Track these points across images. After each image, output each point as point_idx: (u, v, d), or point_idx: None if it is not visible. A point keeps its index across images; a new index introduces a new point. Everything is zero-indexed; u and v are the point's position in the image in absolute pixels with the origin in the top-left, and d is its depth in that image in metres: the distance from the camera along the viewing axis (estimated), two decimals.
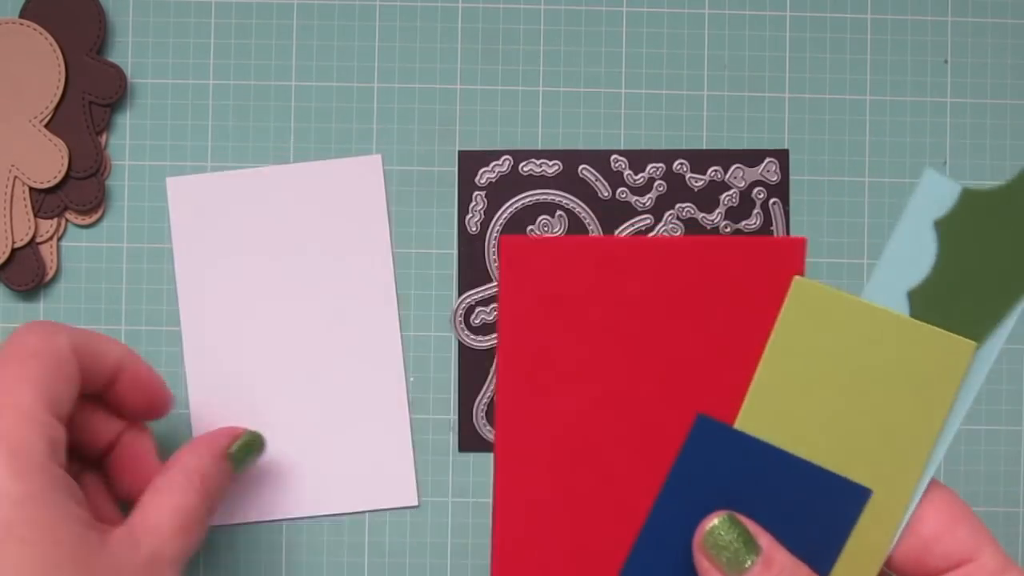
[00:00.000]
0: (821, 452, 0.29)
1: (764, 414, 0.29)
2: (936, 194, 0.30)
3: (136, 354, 0.41)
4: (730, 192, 0.49)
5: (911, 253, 0.29)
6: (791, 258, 0.35)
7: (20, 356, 0.34)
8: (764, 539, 0.30)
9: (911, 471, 0.29)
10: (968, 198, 0.29)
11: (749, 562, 0.29)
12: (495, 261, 0.49)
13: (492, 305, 0.49)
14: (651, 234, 0.49)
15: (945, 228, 0.29)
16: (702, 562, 0.30)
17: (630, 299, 0.35)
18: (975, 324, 0.29)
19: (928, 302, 0.29)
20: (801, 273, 0.34)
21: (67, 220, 0.49)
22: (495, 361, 0.35)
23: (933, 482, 0.30)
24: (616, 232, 0.49)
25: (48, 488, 0.31)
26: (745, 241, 0.35)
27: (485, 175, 0.49)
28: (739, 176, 0.49)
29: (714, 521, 0.30)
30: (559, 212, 0.49)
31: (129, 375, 0.40)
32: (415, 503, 0.48)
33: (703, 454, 0.30)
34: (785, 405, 0.29)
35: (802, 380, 0.29)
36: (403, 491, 0.48)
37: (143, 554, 0.34)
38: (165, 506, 0.37)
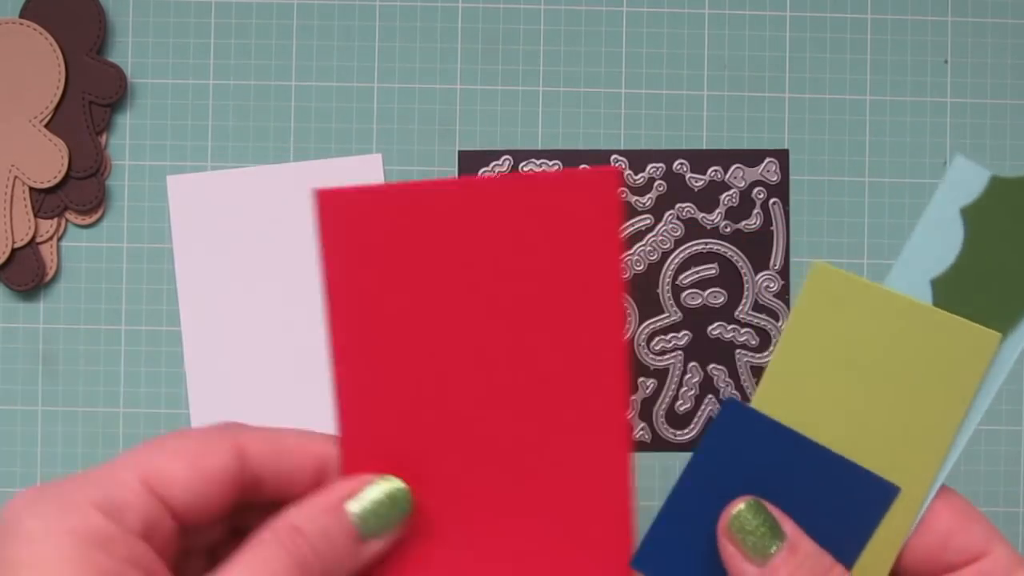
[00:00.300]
0: (837, 441, 0.29)
1: (779, 399, 0.29)
2: (964, 181, 0.29)
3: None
4: (730, 192, 0.49)
5: (937, 241, 0.29)
6: (606, 189, 0.32)
7: (173, 436, 0.30)
8: (789, 526, 0.29)
9: (929, 464, 0.29)
10: (997, 185, 0.29)
11: (774, 548, 0.29)
12: None
13: None
14: (650, 235, 0.49)
15: (972, 216, 0.29)
16: (727, 547, 0.30)
17: (453, 243, 0.35)
18: (1000, 315, 0.28)
19: (952, 291, 0.29)
20: (616, 204, 0.32)
21: (67, 220, 0.49)
22: (328, 317, 0.33)
23: (942, 485, 0.30)
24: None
25: (77, 535, 0.27)
26: (555, 175, 0.33)
27: (485, 175, 0.49)
28: (739, 176, 0.49)
29: (740, 506, 0.30)
30: None
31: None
32: None
33: (729, 438, 0.29)
34: (801, 391, 0.29)
35: (819, 366, 0.28)
36: None
37: None
38: (238, 565, 0.28)
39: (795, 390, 0.28)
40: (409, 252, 0.35)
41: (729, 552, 0.30)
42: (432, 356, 0.35)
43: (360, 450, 0.33)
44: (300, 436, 0.31)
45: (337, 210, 0.36)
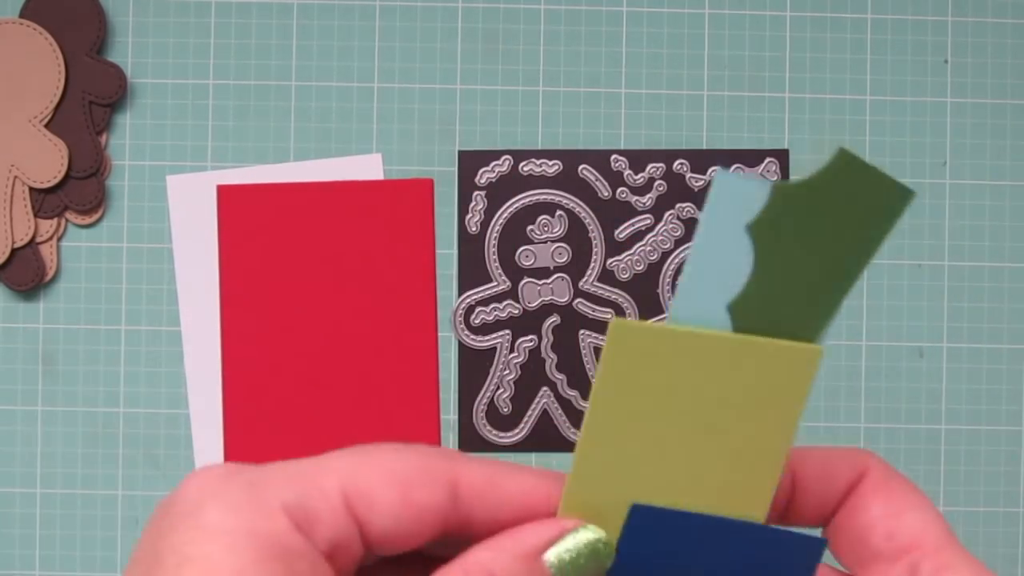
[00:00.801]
0: (669, 493, 0.27)
1: (600, 466, 0.27)
2: (738, 196, 0.27)
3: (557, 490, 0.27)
4: None
5: (723, 264, 0.26)
6: (421, 197, 0.47)
7: (388, 451, 0.26)
8: None
9: (766, 489, 0.28)
10: (779, 194, 0.26)
11: None
12: (496, 260, 0.49)
13: (492, 305, 0.49)
14: (650, 235, 0.49)
15: (759, 231, 0.26)
16: None
17: (313, 231, 0.48)
18: (804, 327, 0.27)
19: (752, 312, 0.26)
20: (430, 211, 0.46)
21: (67, 220, 0.49)
22: (220, 288, 0.47)
23: (894, 472, 0.29)
24: (616, 233, 0.49)
25: (260, 545, 0.24)
26: (388, 183, 0.48)
27: (485, 175, 0.49)
28: None
29: None
30: (559, 212, 0.49)
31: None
32: None
33: (644, 540, 0.27)
34: (621, 453, 0.27)
35: (635, 423, 0.26)
36: None
37: None
38: None
39: (614, 452, 0.26)
40: (282, 236, 0.47)
41: None
42: (293, 318, 0.48)
43: (240, 392, 0.45)
44: (522, 480, 0.27)
45: (232, 203, 0.45)
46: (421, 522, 0.25)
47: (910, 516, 0.28)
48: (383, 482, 0.25)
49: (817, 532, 0.28)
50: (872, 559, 0.28)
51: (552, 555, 0.27)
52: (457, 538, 0.26)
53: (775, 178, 0.49)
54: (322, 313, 0.48)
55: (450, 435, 0.49)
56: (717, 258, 0.26)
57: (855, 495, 0.28)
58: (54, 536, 0.48)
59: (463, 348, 0.49)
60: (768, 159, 0.49)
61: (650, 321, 0.25)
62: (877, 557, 0.28)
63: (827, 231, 0.27)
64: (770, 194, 0.26)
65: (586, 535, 0.27)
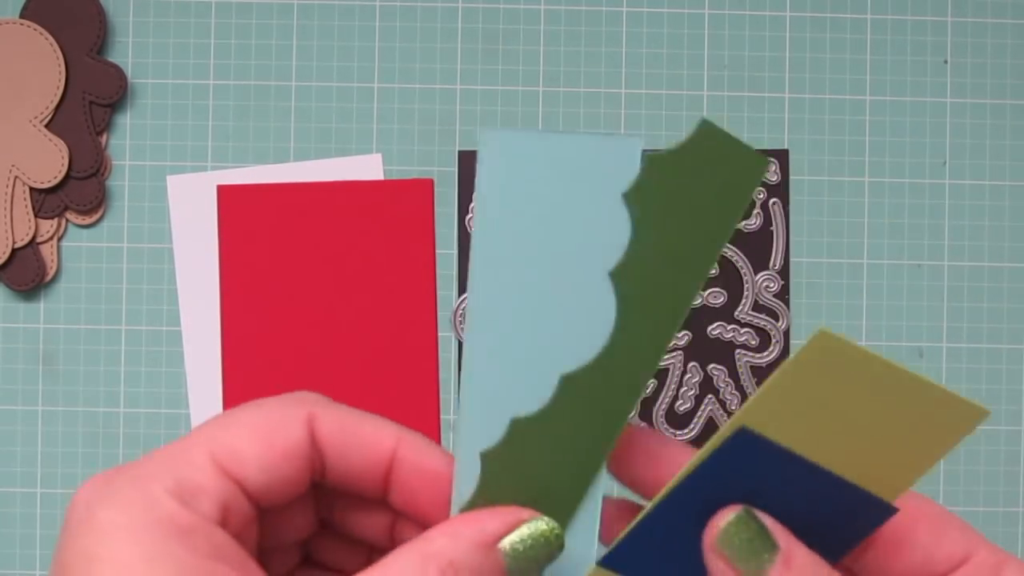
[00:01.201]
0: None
1: (761, 418, 0.28)
2: (617, 163, 0.29)
3: (416, 441, 0.29)
4: None
5: (603, 231, 0.28)
6: (421, 197, 0.48)
7: (246, 408, 0.28)
8: (782, 536, 0.27)
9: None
10: (651, 164, 0.28)
11: (767, 561, 0.26)
12: None
13: None
14: None
15: (634, 198, 0.28)
16: (715, 562, 0.27)
17: (316, 237, 0.48)
18: (678, 292, 0.28)
19: (633, 279, 0.28)
20: (431, 211, 0.47)
21: (67, 220, 0.49)
22: (220, 284, 0.48)
23: (910, 493, 0.30)
24: None
25: (154, 527, 0.25)
26: (391, 183, 0.48)
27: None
28: None
29: (729, 516, 0.27)
30: None
31: (405, 473, 0.29)
32: None
33: (733, 460, 0.28)
34: (781, 419, 0.28)
35: (795, 421, 0.27)
36: None
37: None
38: None
39: (778, 417, 0.28)
40: (282, 237, 0.47)
41: (719, 568, 0.27)
42: (293, 318, 0.48)
43: (241, 392, 0.47)
44: (375, 421, 0.29)
45: (232, 203, 0.46)
46: (289, 466, 0.27)
47: (954, 531, 0.29)
48: (246, 438, 0.26)
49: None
50: None
51: (507, 543, 0.28)
52: (329, 485, 0.28)
53: (775, 178, 0.49)
54: (322, 313, 0.48)
55: (450, 435, 0.49)
56: (597, 225, 0.28)
57: (894, 524, 0.29)
58: (54, 536, 0.48)
59: (463, 348, 0.49)
60: (768, 159, 0.49)
61: (852, 341, 0.26)
62: None
63: (695, 199, 0.28)
64: (645, 164, 0.28)
65: (539, 525, 0.28)
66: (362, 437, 0.28)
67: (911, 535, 0.29)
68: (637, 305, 0.28)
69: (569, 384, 0.29)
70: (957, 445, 0.28)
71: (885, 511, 0.28)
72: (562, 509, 0.30)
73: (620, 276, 0.28)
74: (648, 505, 0.28)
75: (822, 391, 0.27)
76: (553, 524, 0.29)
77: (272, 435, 0.27)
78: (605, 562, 0.28)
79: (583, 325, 0.30)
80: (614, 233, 0.29)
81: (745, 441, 0.27)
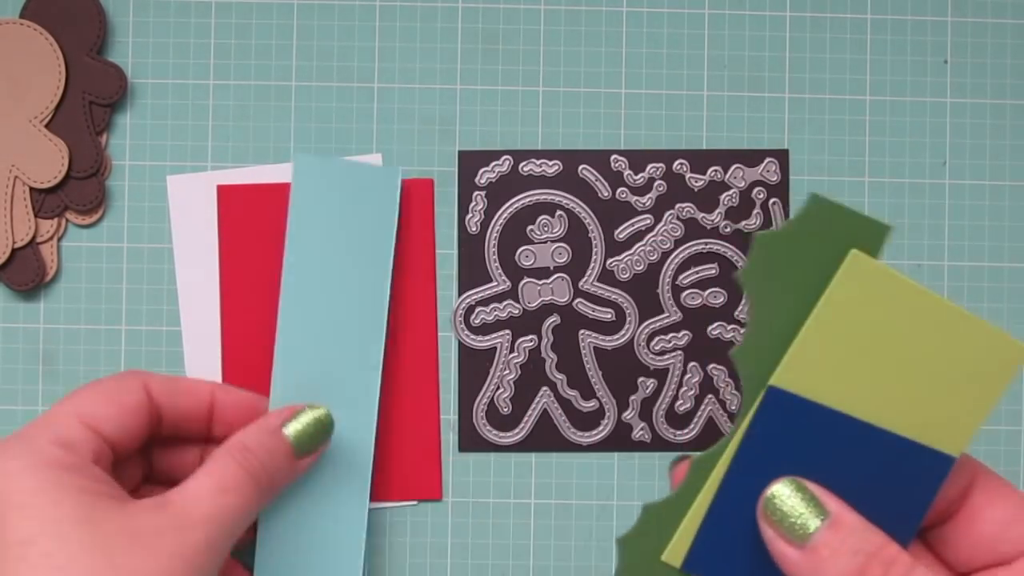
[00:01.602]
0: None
1: (800, 378, 0.28)
2: (385, 187, 0.35)
3: (228, 388, 0.43)
4: (730, 192, 0.49)
5: (373, 241, 0.36)
6: (421, 197, 0.48)
7: (91, 385, 0.39)
8: (833, 503, 0.28)
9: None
10: (763, 243, 0.28)
11: (815, 526, 0.27)
12: (496, 260, 0.49)
13: (492, 305, 0.49)
14: (650, 235, 0.49)
15: (749, 278, 0.28)
16: (766, 531, 0.28)
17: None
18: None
19: (752, 359, 0.28)
20: (430, 211, 0.48)
21: (67, 220, 0.49)
22: (220, 276, 0.48)
23: (997, 475, 0.30)
24: (616, 233, 0.49)
25: (46, 465, 0.34)
26: None
27: (485, 175, 0.49)
28: (739, 176, 0.49)
29: (776, 486, 0.28)
30: (559, 212, 0.49)
31: (224, 409, 0.42)
32: (439, 497, 0.48)
33: (773, 425, 0.28)
34: (821, 373, 0.28)
35: (842, 353, 0.27)
36: (428, 486, 0.48)
37: (169, 513, 0.34)
38: (200, 474, 0.36)
39: (815, 372, 0.28)
40: (282, 237, 0.47)
41: (769, 536, 0.28)
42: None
43: (236, 359, 0.48)
44: (191, 380, 0.42)
45: (232, 203, 0.47)
46: (133, 417, 0.38)
47: None
48: (100, 400, 0.37)
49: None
50: (996, 560, 0.29)
51: (289, 428, 0.40)
52: (159, 436, 0.41)
53: (775, 178, 0.49)
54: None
55: (450, 435, 0.49)
56: None
57: (972, 501, 0.30)
58: None
59: (463, 348, 0.49)
60: (768, 159, 0.49)
61: (885, 267, 0.26)
62: (1001, 558, 0.29)
63: (811, 276, 0.28)
64: (755, 243, 0.28)
65: (313, 411, 0.41)
66: (185, 388, 0.41)
67: (986, 511, 0.29)
68: (756, 384, 0.28)
69: None
70: (1005, 388, 0.28)
71: (943, 463, 0.28)
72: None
73: (742, 356, 0.29)
74: (699, 498, 0.28)
75: (859, 331, 0.26)
76: (325, 410, 0.41)
77: (119, 396, 0.38)
78: (686, 568, 0.29)
79: (358, 314, 0.46)
80: (381, 243, 0.46)
81: (779, 402, 0.27)
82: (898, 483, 0.28)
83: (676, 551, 0.29)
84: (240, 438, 0.38)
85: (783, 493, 0.28)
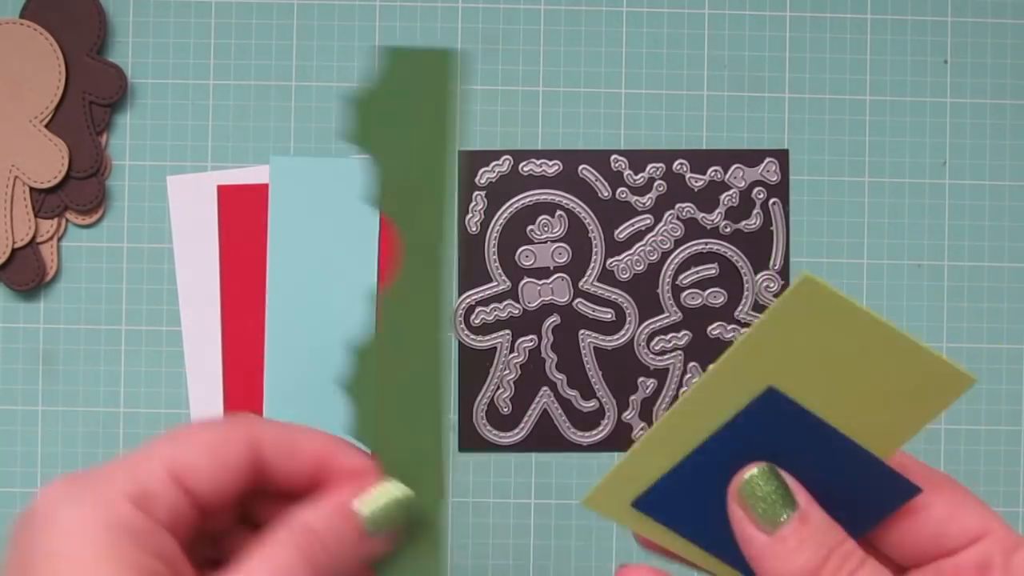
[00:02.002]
0: None
1: (731, 383, 0.28)
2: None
3: (348, 450, 0.33)
4: (730, 192, 0.49)
5: (356, 231, 0.38)
6: None
7: (193, 427, 0.32)
8: (802, 496, 0.28)
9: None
10: (354, 102, 0.31)
11: (784, 516, 0.28)
12: (496, 260, 0.49)
13: (492, 305, 0.49)
14: (650, 235, 0.49)
15: (357, 139, 0.32)
16: (736, 511, 0.29)
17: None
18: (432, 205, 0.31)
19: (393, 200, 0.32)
20: None
21: (67, 220, 0.49)
22: (220, 271, 0.48)
23: (931, 468, 0.30)
24: (616, 233, 0.49)
25: (111, 527, 0.28)
26: None
27: (485, 175, 0.49)
28: (739, 176, 0.49)
29: (753, 470, 0.29)
30: (559, 212, 0.49)
31: (339, 474, 0.33)
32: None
33: (761, 419, 0.28)
34: (748, 386, 0.28)
35: (777, 369, 0.28)
36: None
37: None
38: (255, 558, 0.30)
39: (746, 384, 0.28)
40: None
41: (738, 516, 0.29)
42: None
43: (241, 391, 0.47)
44: (307, 432, 0.33)
45: (232, 203, 0.46)
46: (232, 474, 0.31)
47: (971, 509, 0.29)
48: (198, 453, 0.30)
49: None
50: (939, 554, 0.30)
51: (363, 507, 0.32)
52: (262, 490, 0.32)
53: (775, 178, 0.49)
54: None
55: (450, 435, 0.49)
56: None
57: (910, 504, 0.30)
58: None
59: (463, 348, 0.49)
60: (768, 159, 0.49)
61: (836, 290, 0.26)
62: (945, 552, 0.29)
63: (414, 121, 0.32)
64: (349, 107, 0.31)
65: (391, 487, 0.33)
66: (301, 447, 0.32)
67: (927, 508, 0.30)
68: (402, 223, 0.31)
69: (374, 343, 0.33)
70: (943, 410, 0.28)
71: (908, 491, 0.29)
72: (413, 466, 0.34)
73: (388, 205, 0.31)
74: (678, 454, 0.29)
75: (806, 340, 0.27)
76: (404, 488, 0.33)
77: (221, 450, 0.31)
78: (636, 504, 0.30)
79: (347, 308, 0.44)
80: (366, 236, 0.44)
81: (774, 401, 0.28)
82: (859, 494, 0.29)
83: (629, 489, 0.30)
84: (306, 518, 0.31)
85: (759, 478, 0.29)
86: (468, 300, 0.49)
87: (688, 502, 0.30)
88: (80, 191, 0.48)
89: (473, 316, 0.49)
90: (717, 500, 0.29)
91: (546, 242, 0.49)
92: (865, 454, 0.28)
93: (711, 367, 0.28)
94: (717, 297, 0.49)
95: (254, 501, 0.33)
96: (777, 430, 0.28)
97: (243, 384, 0.48)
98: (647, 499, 0.29)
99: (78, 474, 0.30)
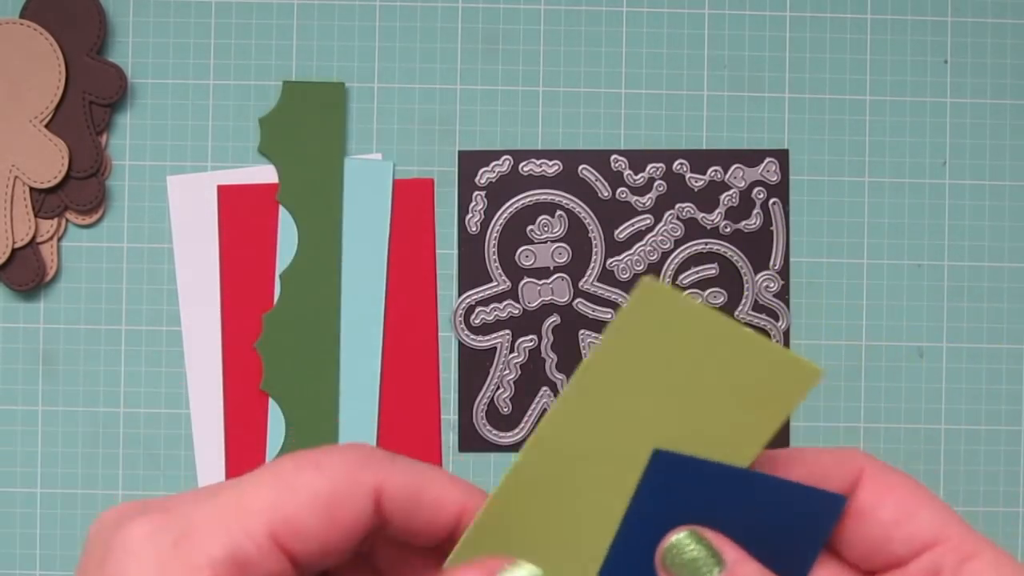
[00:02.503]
0: (637, 454, 0.28)
1: (586, 408, 0.28)
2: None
3: (475, 500, 0.28)
4: (730, 192, 0.49)
5: None
6: (421, 197, 0.48)
7: (309, 472, 0.26)
8: (730, 551, 0.27)
9: None
10: (264, 123, 0.45)
11: (715, 575, 0.27)
12: (496, 260, 0.49)
13: (492, 305, 0.49)
14: (650, 235, 0.49)
15: (266, 151, 0.48)
16: None
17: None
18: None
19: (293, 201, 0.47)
20: (431, 211, 0.48)
21: (67, 220, 0.49)
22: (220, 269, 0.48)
23: (890, 468, 0.29)
24: (616, 233, 0.49)
25: None
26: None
27: (485, 175, 0.49)
28: (739, 176, 0.49)
29: (672, 538, 0.27)
30: (559, 212, 0.49)
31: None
32: None
33: (662, 486, 0.28)
34: (610, 402, 0.27)
35: (631, 379, 0.27)
36: None
37: None
38: None
39: (603, 401, 0.27)
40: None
41: None
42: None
43: (241, 391, 0.48)
44: (443, 485, 0.28)
45: (232, 203, 0.47)
46: (348, 540, 0.25)
47: (924, 514, 0.28)
48: (308, 510, 0.25)
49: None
50: (890, 563, 0.28)
51: None
52: (383, 542, 0.28)
53: (775, 178, 0.49)
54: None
55: (450, 435, 0.49)
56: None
57: (857, 500, 0.28)
58: (54, 536, 0.48)
59: (463, 348, 0.49)
60: (768, 159, 0.49)
61: (676, 292, 0.25)
62: (895, 560, 0.28)
63: (311, 139, 0.47)
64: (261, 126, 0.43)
65: (519, 572, 0.28)
66: (427, 505, 0.27)
67: (873, 511, 0.28)
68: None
69: None
70: (795, 407, 0.27)
71: (834, 503, 0.28)
72: (311, 415, 0.45)
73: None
74: (547, 492, 0.28)
75: (656, 350, 0.26)
76: (538, 571, 0.28)
77: (337, 509, 0.25)
78: None
79: (356, 310, 0.48)
80: (376, 237, 0.48)
81: (665, 462, 0.27)
82: (788, 525, 0.28)
83: (494, 542, 0.28)
84: None
85: (683, 542, 0.27)
86: (468, 300, 0.49)
87: None
88: (80, 191, 0.48)
89: (473, 316, 0.49)
90: None
91: (546, 242, 0.49)
92: (775, 481, 0.27)
93: (562, 393, 0.27)
94: (717, 297, 0.49)
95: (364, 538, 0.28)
96: (682, 489, 0.28)
97: (243, 384, 0.48)
98: None
99: (171, 512, 0.25)
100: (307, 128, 0.47)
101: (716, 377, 0.27)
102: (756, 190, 0.49)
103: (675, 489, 0.27)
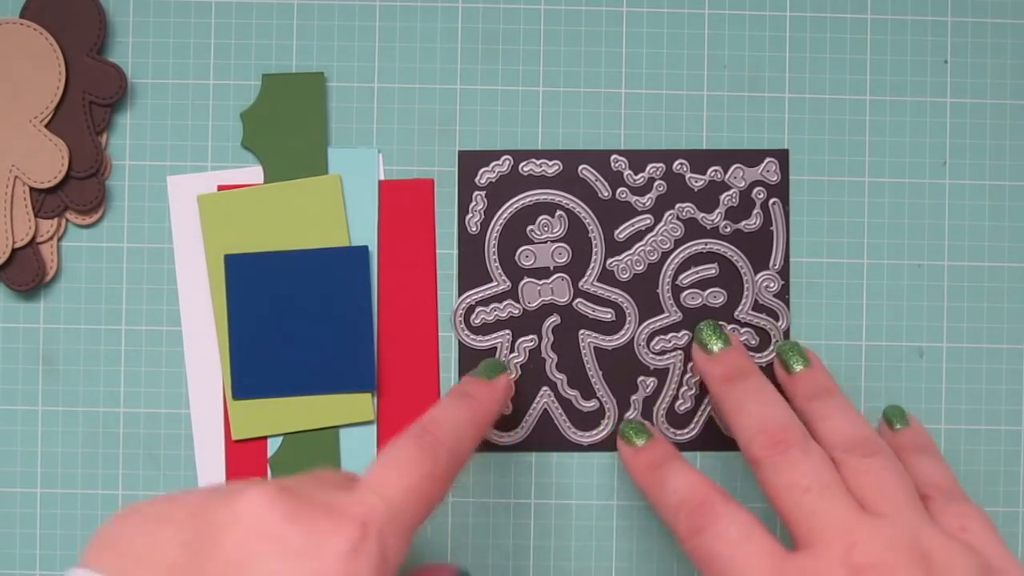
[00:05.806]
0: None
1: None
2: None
3: None
4: (730, 192, 0.49)
5: None
6: (421, 197, 0.49)
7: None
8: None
9: None
10: (245, 117, 0.49)
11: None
12: (496, 260, 0.49)
13: (492, 305, 0.49)
14: (650, 235, 0.49)
15: (251, 144, 0.49)
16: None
17: None
18: None
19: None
20: (431, 211, 0.48)
21: (67, 220, 0.49)
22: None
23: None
24: (616, 233, 0.49)
25: None
26: (396, 183, 0.49)
27: (485, 175, 0.49)
28: (739, 176, 0.49)
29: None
30: (559, 212, 0.49)
31: None
32: None
33: (242, 282, 0.39)
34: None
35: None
36: None
37: None
38: None
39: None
40: None
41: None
42: None
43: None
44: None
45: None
46: None
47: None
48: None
49: None
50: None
51: None
52: None
53: (776, 178, 0.49)
54: None
55: None
56: None
57: None
58: (54, 536, 0.48)
59: (463, 348, 0.49)
60: (768, 159, 0.49)
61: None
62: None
63: (291, 129, 0.49)
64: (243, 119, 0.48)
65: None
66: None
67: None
68: None
69: None
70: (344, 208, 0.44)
71: (360, 253, 0.45)
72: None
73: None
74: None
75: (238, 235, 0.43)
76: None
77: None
78: (236, 397, 0.43)
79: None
80: (365, 227, 0.49)
81: (237, 265, 0.42)
82: (342, 285, 0.42)
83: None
84: None
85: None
86: (468, 300, 0.49)
87: (259, 370, 0.44)
88: (80, 191, 0.48)
89: (473, 316, 0.49)
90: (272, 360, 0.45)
91: (546, 242, 0.49)
92: (314, 252, 0.45)
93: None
94: (717, 297, 0.49)
95: None
96: (252, 279, 0.45)
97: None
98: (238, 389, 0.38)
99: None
100: (288, 120, 0.48)
101: (287, 221, 0.41)
102: (756, 190, 0.49)
103: (253, 283, 0.39)
